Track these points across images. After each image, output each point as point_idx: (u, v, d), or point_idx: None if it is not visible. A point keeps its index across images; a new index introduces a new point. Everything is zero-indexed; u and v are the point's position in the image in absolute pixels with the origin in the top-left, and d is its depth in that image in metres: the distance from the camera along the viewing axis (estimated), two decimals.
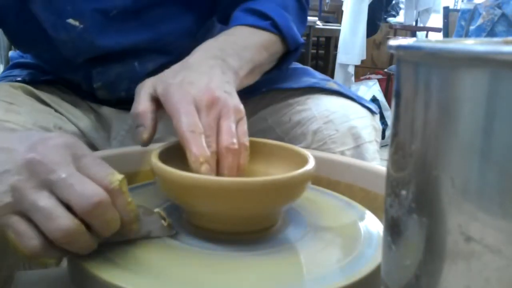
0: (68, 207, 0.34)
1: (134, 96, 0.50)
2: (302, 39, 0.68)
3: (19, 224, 0.34)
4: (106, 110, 0.76)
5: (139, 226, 0.39)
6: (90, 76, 0.71)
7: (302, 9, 0.72)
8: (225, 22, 0.68)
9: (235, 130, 0.45)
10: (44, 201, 0.34)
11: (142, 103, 0.48)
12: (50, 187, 0.35)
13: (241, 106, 0.48)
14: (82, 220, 0.35)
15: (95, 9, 0.64)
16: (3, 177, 0.35)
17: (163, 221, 0.41)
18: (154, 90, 0.49)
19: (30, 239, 0.34)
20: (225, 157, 0.44)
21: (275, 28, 0.64)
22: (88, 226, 0.35)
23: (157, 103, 0.48)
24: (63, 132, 0.38)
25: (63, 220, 0.34)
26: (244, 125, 0.47)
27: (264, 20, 0.64)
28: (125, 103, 0.73)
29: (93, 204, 0.34)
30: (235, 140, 0.44)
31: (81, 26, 0.64)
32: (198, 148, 0.42)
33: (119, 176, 0.36)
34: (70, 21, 0.63)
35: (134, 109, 0.48)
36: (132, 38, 0.67)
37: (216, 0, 0.72)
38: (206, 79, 0.49)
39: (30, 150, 0.35)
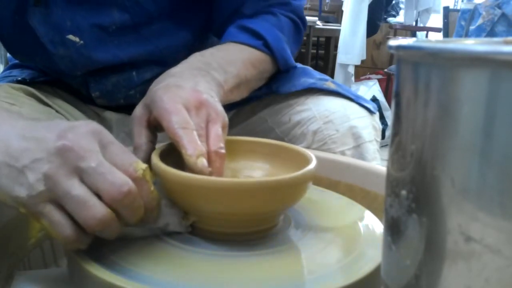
0: (97, 195, 0.35)
1: (134, 101, 0.50)
2: (294, 62, 0.69)
3: (54, 213, 0.36)
4: (107, 114, 0.76)
5: (159, 215, 0.40)
6: (88, 85, 0.71)
7: (298, 31, 0.72)
8: (221, 37, 0.68)
9: (222, 136, 0.45)
10: (77, 190, 0.35)
11: (136, 136, 0.48)
12: (80, 174, 0.35)
13: (226, 115, 0.48)
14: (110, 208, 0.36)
15: (95, 24, 0.63)
16: (36, 166, 0.35)
17: (182, 219, 0.42)
18: (145, 109, 0.48)
19: (64, 228, 0.36)
20: (213, 162, 0.43)
21: (267, 48, 0.64)
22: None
23: (153, 125, 0.48)
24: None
25: (98, 209, 0.35)
26: (225, 135, 0.47)
27: (257, 39, 0.64)
28: (125, 108, 0.74)
29: (123, 193, 0.35)
30: (222, 145, 0.44)
31: (81, 42, 0.64)
32: (192, 143, 0.42)
33: (143, 165, 0.37)
34: (70, 37, 0.63)
35: (133, 141, 0.48)
36: (130, 52, 0.67)
37: (212, 16, 0.72)
38: (192, 83, 0.50)
39: (60, 137, 0.36)
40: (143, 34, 0.67)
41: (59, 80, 0.76)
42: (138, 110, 0.49)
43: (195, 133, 0.43)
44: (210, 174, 0.43)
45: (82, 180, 0.36)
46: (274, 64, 0.67)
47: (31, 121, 0.40)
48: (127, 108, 0.74)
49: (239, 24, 0.66)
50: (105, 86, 0.71)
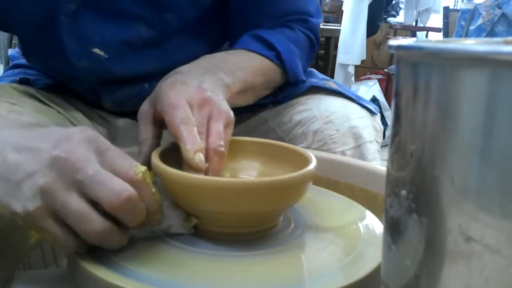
0: (96, 203, 0.35)
1: None
2: (303, 76, 0.69)
3: (54, 228, 0.36)
4: (113, 118, 0.76)
5: (163, 218, 0.40)
6: (98, 93, 0.71)
7: (312, 48, 0.73)
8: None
9: (223, 134, 0.45)
10: (75, 204, 0.35)
11: (142, 132, 0.48)
12: (78, 186, 0.35)
13: (231, 113, 0.48)
14: (110, 215, 0.36)
15: (122, 39, 0.64)
16: (31, 180, 0.35)
17: (185, 221, 0.42)
18: (151, 105, 0.49)
19: (66, 242, 0.36)
20: (211, 159, 0.43)
21: (279, 60, 0.65)
22: (116, 220, 0.36)
23: (159, 120, 0.48)
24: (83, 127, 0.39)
25: (97, 222, 0.35)
26: (230, 133, 0.47)
27: (269, 50, 0.65)
28: (133, 114, 0.74)
29: (123, 200, 0.35)
30: (222, 143, 0.44)
31: (105, 56, 0.64)
32: (191, 138, 0.42)
33: (142, 168, 0.37)
34: (96, 50, 0.63)
35: (138, 137, 0.49)
36: (148, 66, 0.68)
37: (230, 32, 0.72)
38: (198, 81, 0.50)
39: (54, 148, 0.35)
40: (163, 49, 0.67)
41: (64, 84, 0.76)
42: (145, 106, 0.49)
43: (195, 129, 0.44)
44: (207, 170, 0.43)
45: (81, 191, 0.35)
46: (283, 76, 0.67)
47: (27, 129, 0.39)
48: (134, 114, 0.74)
49: (254, 33, 0.67)
50: (117, 97, 0.71)
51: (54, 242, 0.37)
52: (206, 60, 0.58)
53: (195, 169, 0.42)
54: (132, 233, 0.39)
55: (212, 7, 0.68)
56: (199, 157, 0.42)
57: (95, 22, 0.62)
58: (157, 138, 0.48)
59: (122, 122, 0.76)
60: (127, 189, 0.35)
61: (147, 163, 0.45)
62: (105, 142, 0.38)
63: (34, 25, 0.63)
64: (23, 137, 0.37)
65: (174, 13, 0.65)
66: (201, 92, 0.48)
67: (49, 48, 0.66)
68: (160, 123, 0.48)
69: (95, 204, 0.36)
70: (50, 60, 0.69)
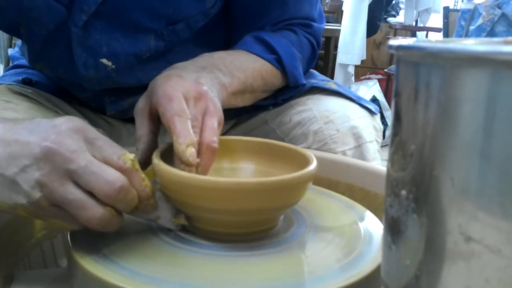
0: (91, 193, 0.36)
1: None
2: (304, 80, 0.69)
3: (59, 213, 0.37)
4: (117, 122, 0.76)
5: (157, 205, 0.41)
6: (101, 101, 0.71)
7: (313, 53, 0.73)
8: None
9: (217, 130, 0.45)
10: (73, 194, 0.35)
11: (138, 128, 0.48)
12: (71, 176, 0.36)
13: (222, 112, 0.48)
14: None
15: (131, 51, 0.64)
16: (26, 174, 0.35)
17: (173, 217, 0.42)
18: (147, 100, 0.48)
19: (73, 224, 0.38)
20: (204, 154, 0.43)
21: (279, 64, 0.65)
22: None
23: (155, 115, 0.48)
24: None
25: (96, 210, 0.36)
26: (220, 130, 0.47)
27: (270, 53, 0.64)
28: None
29: (117, 190, 0.36)
30: (216, 139, 0.44)
31: (113, 67, 0.64)
32: (184, 131, 0.42)
33: (130, 155, 0.38)
34: (104, 61, 0.63)
35: (135, 134, 0.49)
36: (153, 75, 0.68)
37: (230, 31, 0.72)
38: (194, 76, 0.50)
39: (44, 140, 0.35)
40: (169, 59, 0.67)
41: (66, 90, 0.75)
42: (140, 102, 0.49)
43: (189, 122, 0.43)
44: (198, 166, 0.43)
45: (75, 181, 0.36)
46: (283, 79, 0.67)
47: (11, 122, 0.39)
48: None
49: (256, 34, 0.67)
50: (121, 107, 0.72)
51: (61, 226, 0.38)
52: (204, 59, 0.57)
53: (186, 163, 0.41)
54: (126, 222, 0.40)
55: (218, 15, 0.68)
56: (191, 152, 0.41)
57: (105, 34, 0.62)
58: (154, 133, 0.48)
59: (125, 127, 0.76)
60: (120, 179, 0.36)
61: (145, 159, 0.45)
62: (93, 132, 0.38)
63: (45, 34, 0.63)
64: (9, 130, 0.37)
65: (184, 23, 0.65)
66: (197, 85, 0.47)
67: (56, 56, 0.66)
68: (157, 118, 0.48)
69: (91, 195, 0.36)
70: (57, 67, 0.68)
